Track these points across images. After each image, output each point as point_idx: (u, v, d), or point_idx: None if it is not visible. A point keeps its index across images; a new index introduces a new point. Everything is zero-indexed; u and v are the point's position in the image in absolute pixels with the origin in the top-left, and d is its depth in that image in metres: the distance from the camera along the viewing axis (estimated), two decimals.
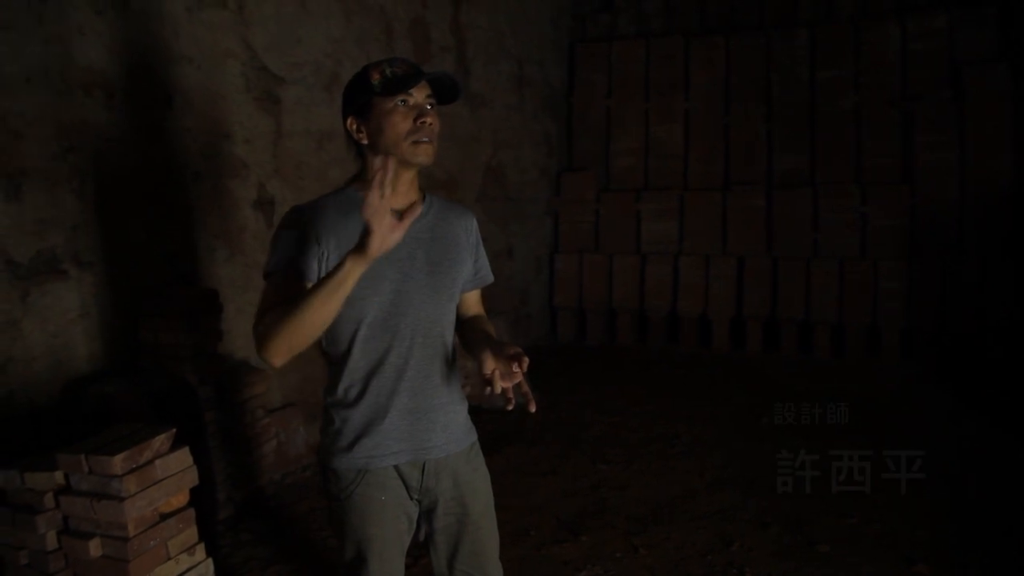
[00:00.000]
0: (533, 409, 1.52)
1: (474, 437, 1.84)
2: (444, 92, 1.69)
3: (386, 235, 1.39)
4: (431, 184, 5.21)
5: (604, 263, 7.03)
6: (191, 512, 2.23)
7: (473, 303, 1.89)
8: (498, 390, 1.50)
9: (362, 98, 1.64)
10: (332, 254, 1.60)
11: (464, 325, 1.86)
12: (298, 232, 1.61)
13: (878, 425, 4.35)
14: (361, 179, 1.71)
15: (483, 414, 4.96)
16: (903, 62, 6.27)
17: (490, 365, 1.54)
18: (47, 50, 2.75)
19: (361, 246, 1.41)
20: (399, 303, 1.65)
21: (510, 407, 1.52)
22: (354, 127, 1.66)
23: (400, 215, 1.62)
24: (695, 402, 5.14)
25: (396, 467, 1.69)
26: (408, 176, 1.68)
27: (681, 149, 7.02)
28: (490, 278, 1.90)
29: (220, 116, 3.53)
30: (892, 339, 6.16)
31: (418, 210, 1.45)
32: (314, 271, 1.60)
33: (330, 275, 1.45)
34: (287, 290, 1.55)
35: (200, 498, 2.44)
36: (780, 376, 5.78)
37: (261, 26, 3.71)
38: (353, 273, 1.43)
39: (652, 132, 7.09)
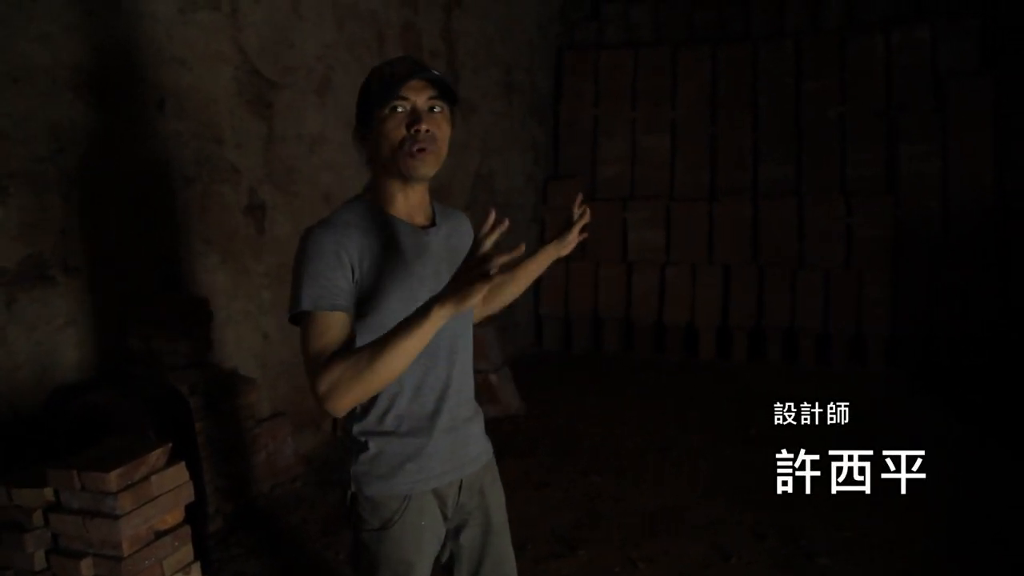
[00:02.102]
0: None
1: (491, 446, 1.80)
2: (446, 94, 1.54)
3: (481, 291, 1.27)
4: None
5: (590, 271, 7.01)
6: (187, 529, 2.16)
7: None
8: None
9: (363, 107, 1.53)
10: (367, 278, 1.49)
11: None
12: (328, 260, 1.45)
13: (865, 429, 4.35)
14: (372, 191, 1.60)
15: None
16: (888, 73, 6.34)
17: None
18: (36, 49, 2.67)
19: (450, 295, 1.29)
20: None
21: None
22: (358, 139, 1.57)
23: (427, 231, 1.60)
24: (683, 412, 5.12)
25: (435, 489, 1.62)
26: (421, 188, 1.60)
27: (668, 158, 7.02)
28: None
29: (211, 119, 3.45)
30: (877, 347, 6.20)
31: (521, 249, 1.37)
32: (352, 304, 1.47)
33: (411, 325, 1.32)
34: (334, 331, 1.42)
35: (191, 511, 2.36)
36: (766, 385, 5.78)
37: (254, 29, 3.65)
38: (439, 323, 1.32)
39: (639, 141, 7.10)
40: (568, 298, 7.08)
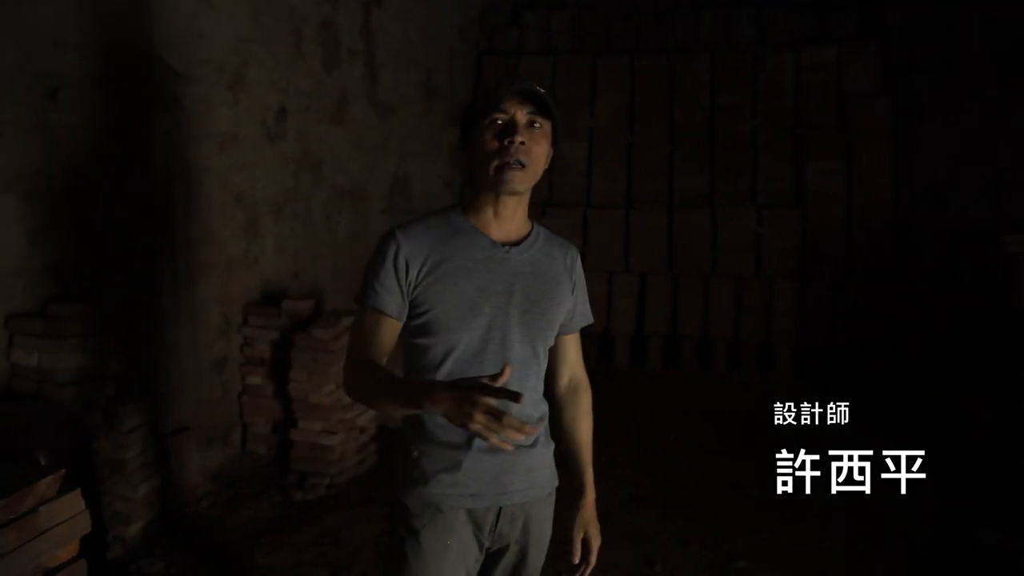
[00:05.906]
0: None
1: (555, 483, 1.70)
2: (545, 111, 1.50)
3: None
4: (337, 193, 4.98)
5: None
6: (82, 564, 1.96)
7: (571, 350, 1.79)
8: None
9: (466, 120, 1.55)
10: (426, 281, 1.51)
11: (562, 403, 1.83)
12: (385, 262, 1.52)
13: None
14: (466, 201, 1.60)
15: None
16: (796, 91, 6.58)
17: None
18: None
19: (443, 401, 1.27)
20: (489, 340, 1.53)
21: None
22: (462, 150, 1.59)
23: (508, 248, 1.56)
24: (600, 419, 5.06)
25: (469, 510, 1.54)
26: (513, 203, 1.55)
27: (585, 166, 7.07)
28: (589, 319, 1.78)
29: (112, 113, 3.19)
30: (784, 356, 6.41)
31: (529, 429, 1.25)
32: (399, 306, 1.53)
33: (407, 395, 1.41)
34: (373, 332, 1.54)
35: (86, 541, 2.15)
36: (681, 393, 5.91)
37: (160, 16, 3.40)
38: (427, 407, 1.33)
39: (557, 148, 7.08)
40: None
